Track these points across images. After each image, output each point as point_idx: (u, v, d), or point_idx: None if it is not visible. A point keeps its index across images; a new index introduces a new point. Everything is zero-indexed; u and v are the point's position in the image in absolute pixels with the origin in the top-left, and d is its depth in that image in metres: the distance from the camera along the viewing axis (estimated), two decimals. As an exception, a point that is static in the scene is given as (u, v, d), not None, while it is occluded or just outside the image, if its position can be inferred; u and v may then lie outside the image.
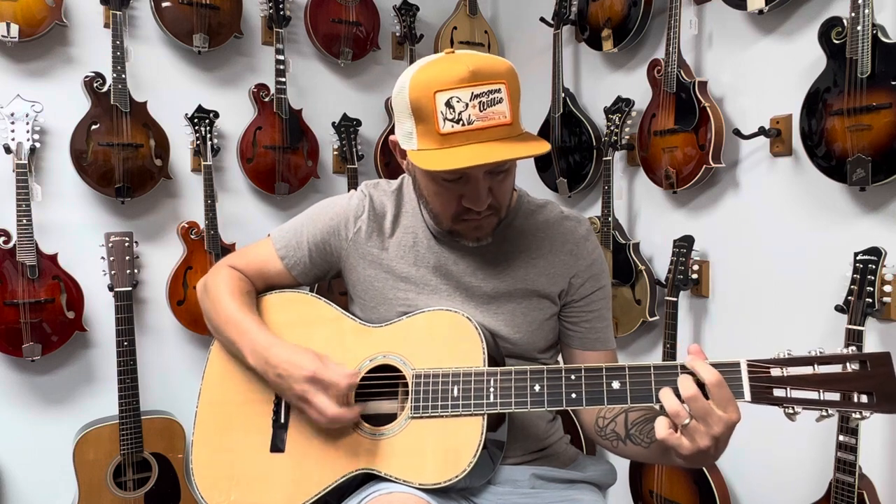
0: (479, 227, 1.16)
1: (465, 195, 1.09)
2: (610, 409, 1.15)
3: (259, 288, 1.30)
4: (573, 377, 1.01)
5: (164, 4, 2.33)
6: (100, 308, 2.32)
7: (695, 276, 2.04)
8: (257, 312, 1.24)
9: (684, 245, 2.02)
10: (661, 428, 0.93)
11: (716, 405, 0.91)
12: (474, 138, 1.01)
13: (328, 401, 1.05)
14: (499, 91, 1.02)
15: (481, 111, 1.01)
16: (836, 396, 0.90)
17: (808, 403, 0.90)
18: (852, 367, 0.90)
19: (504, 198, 1.14)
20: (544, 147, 1.03)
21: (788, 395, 0.91)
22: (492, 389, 1.04)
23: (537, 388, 1.03)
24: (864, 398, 0.89)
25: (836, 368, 0.91)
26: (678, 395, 0.93)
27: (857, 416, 0.89)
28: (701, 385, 0.92)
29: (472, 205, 1.09)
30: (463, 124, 1.00)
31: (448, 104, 1.00)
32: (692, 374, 0.94)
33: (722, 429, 0.91)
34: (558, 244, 1.22)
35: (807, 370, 0.91)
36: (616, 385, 0.99)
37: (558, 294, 1.22)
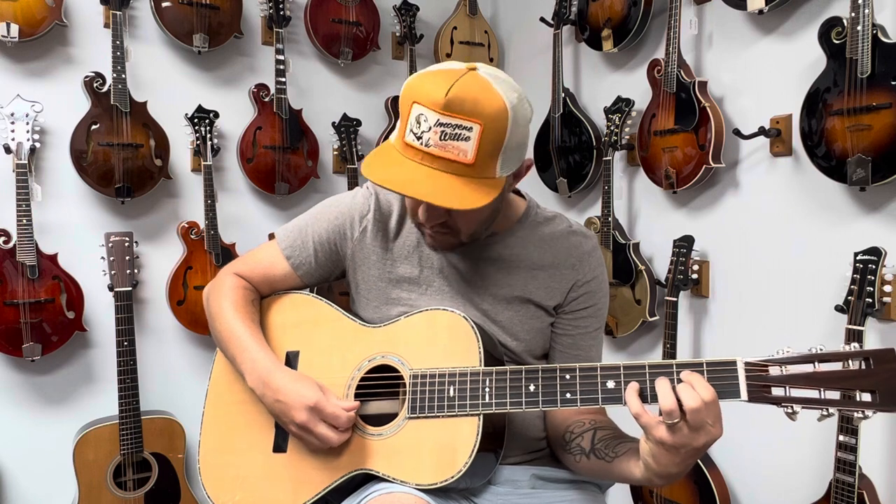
0: (433, 239, 1.16)
1: (420, 206, 1.10)
2: (580, 423, 1.15)
3: (264, 293, 1.30)
4: (568, 377, 1.00)
5: (164, 4, 2.33)
6: (100, 308, 2.32)
7: (695, 276, 2.04)
8: (259, 325, 1.24)
9: (684, 245, 2.02)
10: (636, 403, 0.92)
11: (708, 419, 0.89)
12: (426, 160, 1.00)
13: (329, 430, 1.06)
14: (469, 129, 0.97)
15: (440, 140, 0.98)
16: (837, 395, 0.87)
17: (807, 403, 0.88)
18: (854, 364, 0.88)
19: (466, 225, 1.12)
20: (471, 203, 0.99)
21: (787, 395, 0.88)
22: (487, 389, 1.04)
23: (532, 387, 1.02)
24: (866, 396, 0.86)
25: (837, 366, 0.88)
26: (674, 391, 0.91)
27: (860, 415, 0.86)
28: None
29: (420, 217, 1.10)
30: (421, 143, 0.99)
31: (417, 119, 0.99)
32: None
33: (706, 440, 0.90)
34: (561, 258, 1.21)
35: (807, 368, 0.89)
36: (611, 385, 0.97)
37: (554, 307, 1.22)
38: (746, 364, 0.91)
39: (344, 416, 1.06)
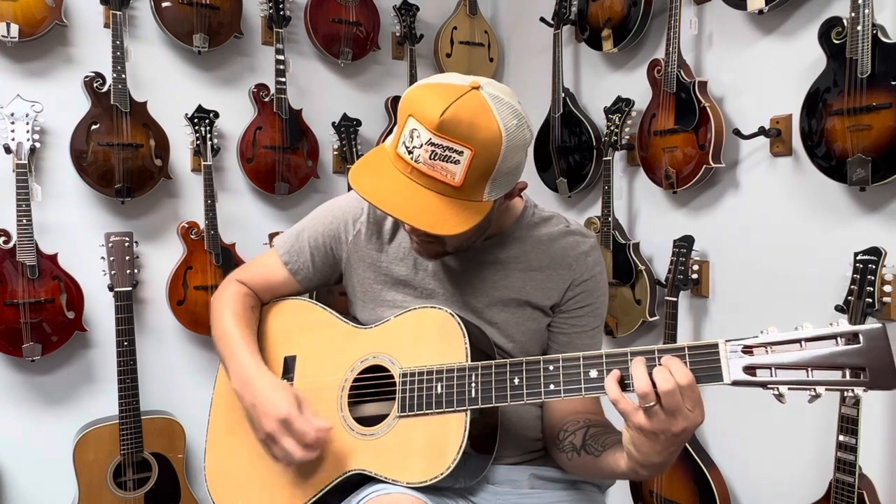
0: (419, 246, 1.15)
1: None
2: (575, 422, 1.15)
3: (266, 299, 1.32)
4: (551, 368, 0.99)
5: (164, 4, 2.33)
6: (100, 308, 2.32)
7: (695, 276, 2.04)
8: (257, 331, 1.25)
9: (684, 245, 2.02)
10: (614, 389, 0.90)
11: (686, 401, 0.87)
12: (414, 176, 0.99)
13: (294, 446, 1.05)
14: (459, 153, 0.96)
15: (430, 159, 0.97)
16: (826, 375, 0.85)
17: (795, 384, 0.85)
18: (843, 343, 0.84)
19: (450, 240, 1.10)
20: (450, 230, 0.98)
21: (774, 377, 0.86)
22: (473, 385, 1.04)
23: (516, 380, 1.01)
24: (857, 375, 0.83)
25: (825, 345, 0.85)
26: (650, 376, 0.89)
27: (850, 394, 0.84)
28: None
29: (406, 227, 1.10)
30: (412, 158, 0.99)
31: (411, 133, 0.99)
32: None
33: (685, 425, 0.88)
34: (558, 258, 1.20)
35: (794, 349, 0.86)
36: (594, 374, 0.96)
37: (551, 307, 1.21)
38: (729, 346, 0.89)
39: (312, 434, 1.04)
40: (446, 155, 0.96)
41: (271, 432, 1.06)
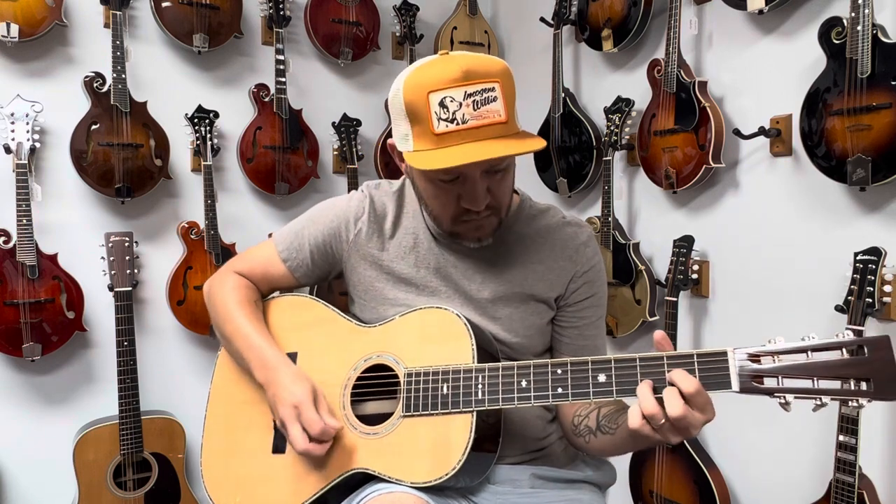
0: (479, 228, 1.15)
1: (463, 195, 1.09)
2: (586, 405, 1.16)
3: (264, 291, 1.32)
4: (559, 371, 1.00)
5: (164, 4, 2.33)
6: (100, 308, 2.32)
7: (695, 276, 2.04)
8: (265, 323, 1.25)
9: (684, 245, 2.02)
10: (635, 418, 0.91)
11: (695, 409, 0.89)
12: (469, 137, 1.01)
13: (301, 434, 1.06)
14: (492, 90, 1.01)
15: (475, 110, 1.00)
16: (831, 384, 0.86)
17: (801, 392, 0.86)
18: (848, 353, 0.86)
19: (503, 197, 1.13)
20: (539, 143, 1.03)
21: (780, 385, 0.87)
22: (480, 386, 1.04)
23: (524, 383, 1.02)
24: (861, 385, 0.85)
25: (831, 355, 0.87)
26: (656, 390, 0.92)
27: (855, 403, 0.85)
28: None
29: (470, 205, 1.09)
30: (457, 123, 1.00)
31: (442, 104, 1.00)
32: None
33: (697, 426, 0.90)
34: (558, 250, 1.21)
35: (800, 358, 0.88)
36: (602, 378, 0.97)
37: (555, 299, 1.22)
38: (738, 355, 0.90)
39: (318, 426, 1.05)
40: (486, 97, 1.01)
41: (283, 417, 1.08)
